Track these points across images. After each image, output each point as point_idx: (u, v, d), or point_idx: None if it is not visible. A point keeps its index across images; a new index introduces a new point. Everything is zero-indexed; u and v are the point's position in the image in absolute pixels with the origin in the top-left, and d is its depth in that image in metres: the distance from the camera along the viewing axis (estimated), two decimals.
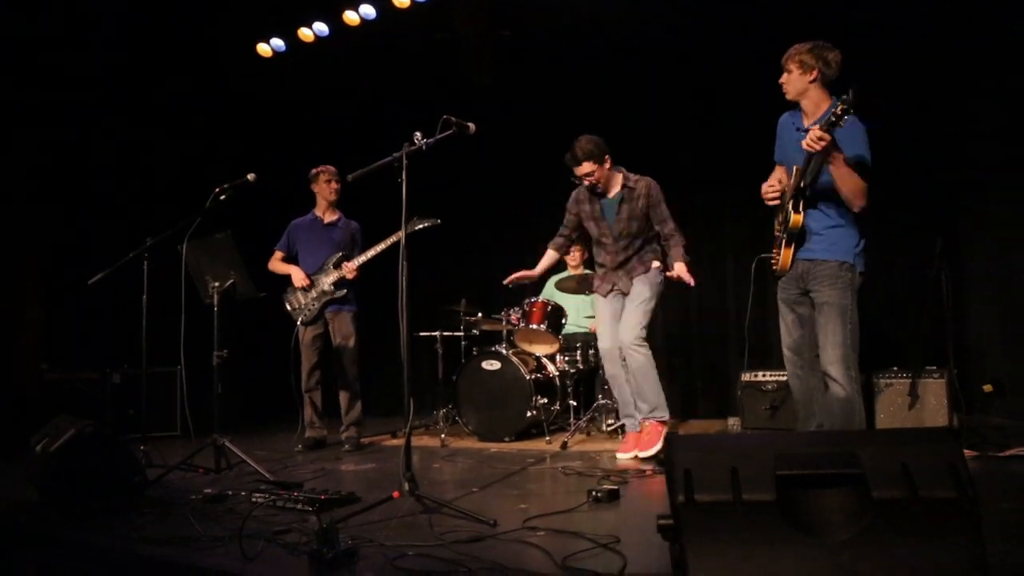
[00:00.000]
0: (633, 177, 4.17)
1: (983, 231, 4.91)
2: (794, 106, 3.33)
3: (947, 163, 5.06)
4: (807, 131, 3.03)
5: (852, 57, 3.24)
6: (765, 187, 3.40)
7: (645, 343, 4.08)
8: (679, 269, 4.07)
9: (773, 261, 3.36)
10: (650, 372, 4.07)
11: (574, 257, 5.61)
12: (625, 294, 4.19)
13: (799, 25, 3.75)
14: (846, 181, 3.04)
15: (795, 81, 3.21)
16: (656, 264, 4.20)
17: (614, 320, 4.18)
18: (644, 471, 3.65)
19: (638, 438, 4.08)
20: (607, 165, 4.11)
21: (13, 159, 5.55)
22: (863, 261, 3.24)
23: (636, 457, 4.00)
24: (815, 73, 3.16)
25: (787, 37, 3.31)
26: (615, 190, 4.16)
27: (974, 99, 4.87)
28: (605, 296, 4.25)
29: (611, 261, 4.22)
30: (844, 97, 2.80)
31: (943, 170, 5.06)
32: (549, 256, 4.44)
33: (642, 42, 5.78)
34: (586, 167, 4.06)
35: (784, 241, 3.27)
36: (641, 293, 4.12)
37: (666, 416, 4.12)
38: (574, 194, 4.32)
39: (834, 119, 2.85)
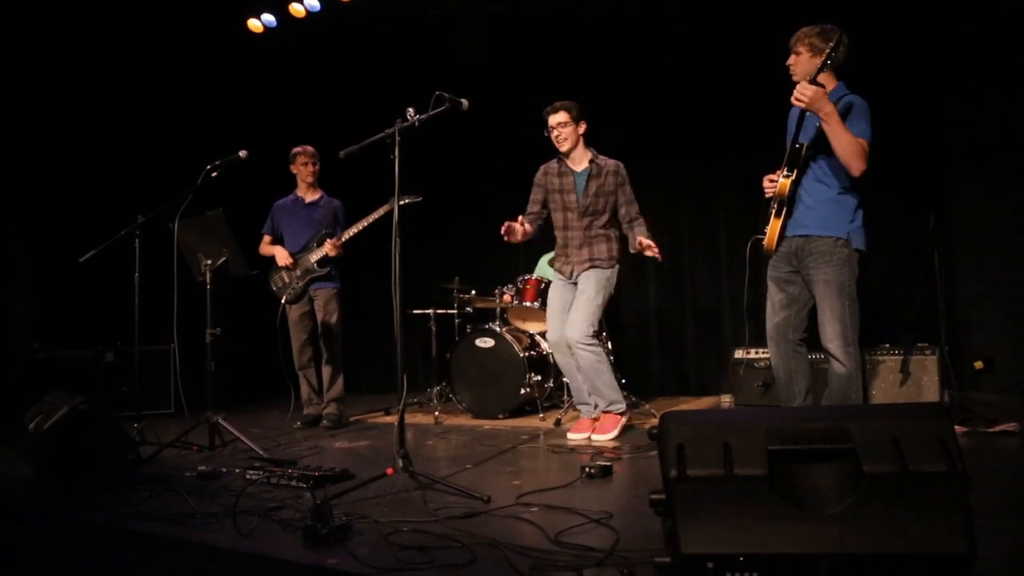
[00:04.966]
0: (602, 157, 4.13)
1: (976, 208, 4.90)
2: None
3: (940, 140, 5.04)
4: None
5: (846, 29, 3.21)
6: (766, 180, 3.29)
7: (594, 340, 3.98)
8: (647, 240, 4.01)
9: (762, 235, 3.30)
10: (602, 369, 3.98)
11: None
12: (576, 284, 4.11)
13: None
14: (840, 139, 2.96)
15: (804, 63, 3.15)
16: (613, 253, 4.11)
17: (563, 311, 4.08)
18: (640, 447, 3.68)
19: (593, 423, 4.05)
20: (581, 129, 4.07)
21: (2, 138, 5.49)
22: (862, 238, 3.15)
23: (589, 439, 3.95)
24: (825, 56, 3.09)
25: (793, 11, 3.28)
26: (583, 165, 4.11)
27: (969, 75, 4.84)
28: (567, 278, 4.14)
29: (575, 238, 4.11)
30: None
31: (936, 147, 5.05)
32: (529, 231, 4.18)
33: (636, 14, 5.72)
34: (561, 116, 4.02)
35: (775, 211, 3.20)
36: (588, 288, 4.02)
37: (623, 408, 4.05)
38: (543, 167, 4.24)
39: (821, 65, 2.92)
